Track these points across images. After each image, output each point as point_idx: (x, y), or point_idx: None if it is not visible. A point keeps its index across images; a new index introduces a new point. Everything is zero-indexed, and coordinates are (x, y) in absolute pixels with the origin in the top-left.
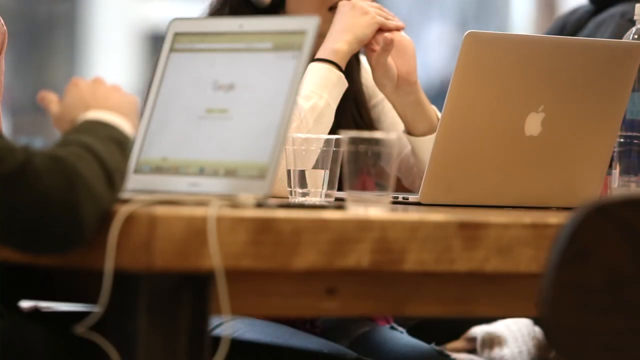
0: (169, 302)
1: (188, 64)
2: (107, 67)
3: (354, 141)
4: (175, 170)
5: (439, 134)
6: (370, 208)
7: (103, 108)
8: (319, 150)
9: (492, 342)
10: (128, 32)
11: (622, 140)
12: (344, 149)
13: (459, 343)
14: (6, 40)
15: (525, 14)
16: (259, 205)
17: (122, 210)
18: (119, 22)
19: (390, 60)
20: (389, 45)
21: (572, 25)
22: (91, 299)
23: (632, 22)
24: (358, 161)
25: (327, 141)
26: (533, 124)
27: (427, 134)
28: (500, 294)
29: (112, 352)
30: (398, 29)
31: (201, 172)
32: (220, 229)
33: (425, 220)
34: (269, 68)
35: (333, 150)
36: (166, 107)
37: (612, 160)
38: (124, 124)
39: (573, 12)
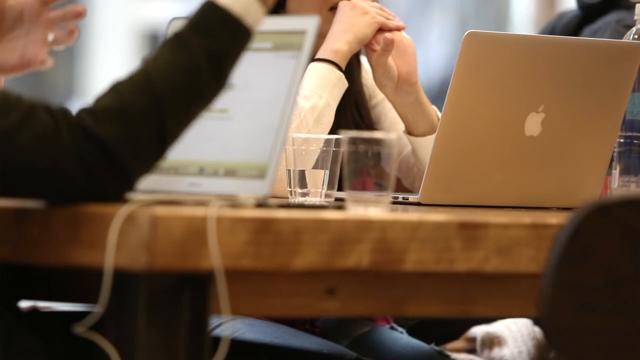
0: (169, 302)
1: None
2: (107, 67)
3: (354, 141)
4: (175, 170)
5: (439, 134)
6: (370, 208)
7: None
8: (319, 150)
9: (492, 342)
10: (128, 31)
11: (622, 140)
12: (344, 149)
13: (459, 343)
14: None
15: (525, 13)
16: (259, 205)
17: (122, 210)
18: (119, 21)
19: (390, 60)
20: (389, 46)
21: (561, 29)
22: (91, 299)
23: (629, 28)
24: (358, 161)
25: (327, 141)
26: (533, 124)
27: (428, 134)
28: (500, 294)
29: (112, 352)
30: (398, 29)
31: (201, 172)
32: (220, 229)
33: (425, 220)
34: (269, 68)
35: (333, 150)
36: None
37: (612, 160)
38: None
39: (561, 16)
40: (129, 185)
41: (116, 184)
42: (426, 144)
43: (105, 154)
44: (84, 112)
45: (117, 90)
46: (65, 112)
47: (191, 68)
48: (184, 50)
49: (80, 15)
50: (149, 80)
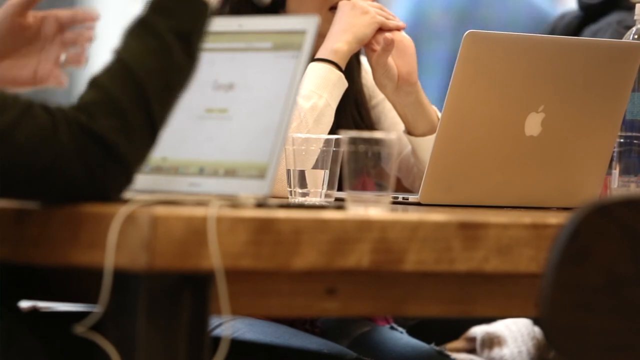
0: (169, 302)
1: None
2: None
3: (354, 141)
4: (175, 170)
5: (439, 134)
6: (370, 208)
7: None
8: (319, 150)
9: (491, 342)
10: None
11: (622, 140)
12: (344, 149)
13: (459, 343)
14: None
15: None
16: (259, 205)
17: (122, 210)
18: (119, 21)
19: (390, 60)
20: (389, 45)
21: (562, 29)
22: (91, 299)
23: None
24: (358, 161)
25: (327, 141)
26: (533, 124)
27: (428, 134)
28: (500, 294)
29: (112, 352)
30: (398, 29)
31: (201, 172)
32: (220, 229)
33: (425, 220)
34: (269, 68)
35: (333, 150)
36: None
37: (612, 160)
38: None
39: (562, 16)
40: (128, 179)
41: (116, 180)
42: (426, 144)
43: (105, 149)
44: (74, 110)
45: (99, 84)
46: (62, 110)
47: (163, 50)
48: (153, 34)
49: (89, 39)
50: (128, 69)
